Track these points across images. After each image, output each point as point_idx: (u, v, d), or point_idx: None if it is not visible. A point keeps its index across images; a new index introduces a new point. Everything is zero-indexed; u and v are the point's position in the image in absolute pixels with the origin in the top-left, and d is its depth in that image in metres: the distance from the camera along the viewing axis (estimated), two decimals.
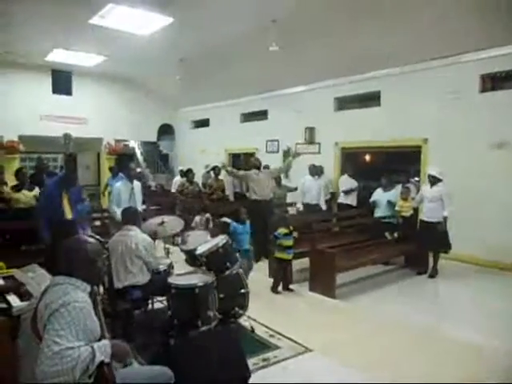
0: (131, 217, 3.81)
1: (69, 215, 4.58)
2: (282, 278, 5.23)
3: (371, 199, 6.96)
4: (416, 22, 6.48)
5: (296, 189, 8.49)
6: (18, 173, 6.23)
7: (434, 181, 5.94)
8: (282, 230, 5.12)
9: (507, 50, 6.37)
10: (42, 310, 1.76)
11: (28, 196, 5.91)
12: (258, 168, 6.98)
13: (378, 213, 6.78)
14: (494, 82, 6.80)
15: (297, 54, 8.40)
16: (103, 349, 1.75)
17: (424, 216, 6.03)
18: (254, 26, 7.54)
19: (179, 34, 8.27)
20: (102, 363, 1.72)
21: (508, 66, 6.46)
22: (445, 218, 5.81)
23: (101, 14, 7.40)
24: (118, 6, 6.96)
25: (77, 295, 1.82)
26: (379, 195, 6.84)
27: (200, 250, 3.90)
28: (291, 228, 5.23)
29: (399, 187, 6.69)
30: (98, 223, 7.30)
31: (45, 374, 1.61)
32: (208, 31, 8.13)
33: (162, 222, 4.31)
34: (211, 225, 5.91)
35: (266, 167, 7.95)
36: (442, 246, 5.97)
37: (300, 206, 7.92)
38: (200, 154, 13.06)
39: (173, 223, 4.40)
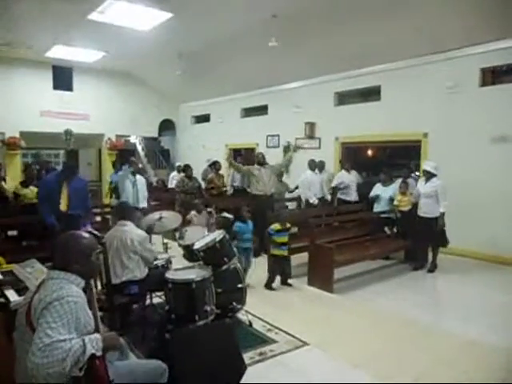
0: (126, 212, 3.84)
1: (64, 207, 4.60)
2: (280, 274, 5.24)
3: (370, 194, 6.95)
4: (416, 16, 6.45)
5: (296, 188, 8.50)
6: (26, 169, 6.34)
7: (428, 176, 5.94)
8: (276, 227, 5.10)
9: (507, 43, 6.33)
10: (35, 303, 1.78)
11: (34, 192, 5.99)
12: (262, 164, 6.98)
13: (377, 208, 6.78)
14: (494, 75, 6.77)
15: (297, 49, 8.38)
16: (94, 342, 1.77)
17: (421, 212, 6.01)
18: (253, 21, 7.53)
19: (178, 29, 8.27)
20: (93, 356, 1.74)
21: (508, 59, 6.43)
22: (442, 214, 5.79)
23: (100, 10, 7.42)
24: (117, 2, 6.97)
25: (70, 289, 1.84)
26: (378, 190, 6.83)
27: (197, 245, 3.92)
28: (287, 224, 5.20)
29: (399, 182, 6.68)
30: (98, 218, 7.37)
31: (36, 365, 1.63)
32: (207, 26, 8.12)
33: (160, 218, 4.34)
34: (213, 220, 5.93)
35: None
36: (439, 241, 5.97)
37: (316, 200, 7.80)
38: (201, 149, 13.09)
39: (171, 219, 4.42)
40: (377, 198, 6.78)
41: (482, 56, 6.66)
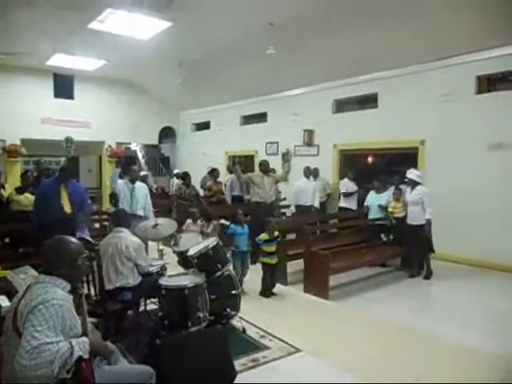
0: (121, 219, 3.87)
1: (68, 210, 4.63)
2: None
3: (365, 203, 7.02)
4: (412, 24, 6.52)
5: (284, 199, 8.71)
6: (23, 176, 6.37)
7: (413, 184, 6.00)
8: (263, 237, 5.08)
9: (502, 51, 6.39)
10: (21, 308, 1.81)
11: (30, 199, 5.98)
12: (265, 171, 7.02)
13: (371, 215, 6.83)
14: (489, 83, 6.82)
15: (295, 57, 8.45)
16: (82, 345, 1.80)
17: (409, 219, 6.07)
18: (252, 30, 7.61)
19: (178, 38, 8.36)
20: (80, 359, 1.76)
21: (503, 67, 6.48)
22: (428, 221, 5.83)
23: (100, 19, 7.51)
24: (117, 11, 7.07)
25: (56, 293, 1.87)
26: (372, 198, 6.89)
27: (191, 252, 3.94)
28: (276, 233, 5.17)
29: (392, 189, 6.72)
30: (97, 225, 7.40)
31: (24, 367, 1.65)
32: (207, 35, 8.21)
33: (156, 225, 4.37)
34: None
35: (273, 170, 7.97)
36: (425, 248, 5.98)
37: (292, 209, 7.93)
38: (201, 156, 13.16)
39: (166, 226, 4.44)
40: (370, 206, 6.85)
41: (477, 64, 6.71)
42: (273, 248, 5.12)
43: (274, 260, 5.13)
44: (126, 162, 5.50)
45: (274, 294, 5.16)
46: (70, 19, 7.51)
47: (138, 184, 5.48)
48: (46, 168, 8.39)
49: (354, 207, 8.03)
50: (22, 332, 1.75)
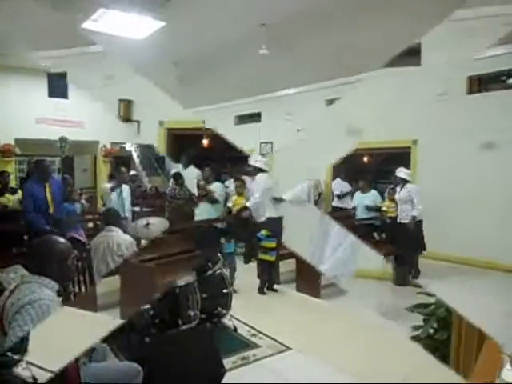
0: (113, 218, 3.89)
1: (51, 209, 4.63)
2: (267, 279, 5.28)
3: (352, 203, 7.06)
4: (404, 24, 6.54)
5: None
6: (0, 176, 6.24)
7: (402, 183, 6.02)
8: (265, 232, 5.15)
9: (494, 51, 6.41)
10: (8, 307, 1.83)
11: (11, 199, 5.90)
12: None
13: (358, 215, 6.87)
14: (480, 83, 6.86)
15: (289, 57, 8.45)
16: None
17: (399, 218, 6.11)
18: (245, 30, 7.62)
19: (172, 37, 8.35)
20: None
21: (494, 67, 6.52)
22: (413, 218, 5.84)
23: (93, 18, 7.50)
24: (110, 11, 7.05)
25: (43, 293, 1.88)
26: (358, 198, 6.94)
27: None
28: None
29: (387, 189, 6.75)
30: (91, 225, 7.38)
31: None
32: (200, 35, 8.20)
33: (147, 224, 4.39)
34: None
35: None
36: (415, 247, 5.99)
37: None
38: None
39: (158, 225, 4.46)
40: (356, 207, 6.90)
41: (469, 64, 6.73)
42: (273, 244, 5.18)
43: (272, 257, 5.19)
44: (115, 165, 5.59)
45: (275, 291, 5.26)
46: (64, 18, 7.47)
47: (124, 186, 5.59)
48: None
49: (350, 207, 8.01)
50: (6, 331, 1.77)
